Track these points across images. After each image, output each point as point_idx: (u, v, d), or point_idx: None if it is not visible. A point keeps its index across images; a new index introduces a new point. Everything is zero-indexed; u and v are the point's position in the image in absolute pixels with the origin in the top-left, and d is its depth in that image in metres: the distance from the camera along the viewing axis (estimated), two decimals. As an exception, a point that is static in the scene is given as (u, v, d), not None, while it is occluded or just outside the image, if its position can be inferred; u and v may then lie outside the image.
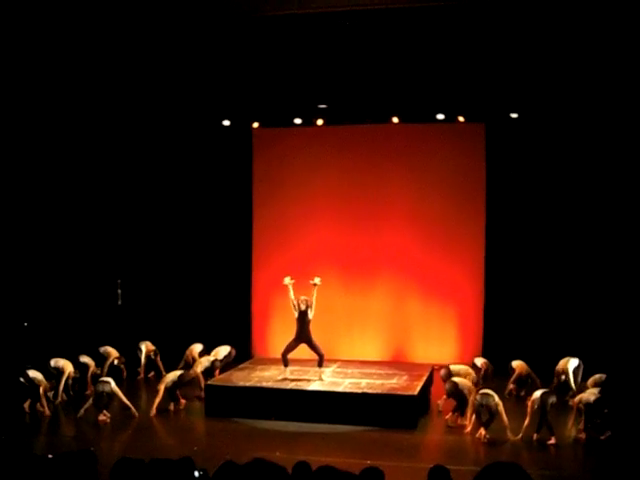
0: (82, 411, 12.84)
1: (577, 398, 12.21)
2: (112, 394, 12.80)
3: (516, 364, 14.20)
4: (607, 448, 11.34)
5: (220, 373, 14.59)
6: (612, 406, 11.81)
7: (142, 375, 15.89)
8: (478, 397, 11.87)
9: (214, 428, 12.61)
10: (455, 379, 12.69)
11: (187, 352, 15.66)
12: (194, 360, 15.23)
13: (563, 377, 13.82)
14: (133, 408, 13.00)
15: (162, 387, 13.31)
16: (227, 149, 17.77)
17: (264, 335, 17.26)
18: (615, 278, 15.45)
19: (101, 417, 12.71)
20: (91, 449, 9.16)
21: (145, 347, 15.84)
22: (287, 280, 13.96)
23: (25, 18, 12.69)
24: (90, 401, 12.94)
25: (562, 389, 13.59)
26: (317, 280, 13.77)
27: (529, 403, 11.94)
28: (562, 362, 13.96)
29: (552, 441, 11.51)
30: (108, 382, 12.89)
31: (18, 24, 12.77)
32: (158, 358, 15.87)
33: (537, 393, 11.95)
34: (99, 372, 14.75)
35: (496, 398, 11.75)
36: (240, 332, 17.05)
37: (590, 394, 11.99)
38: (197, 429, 12.96)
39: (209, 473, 5.25)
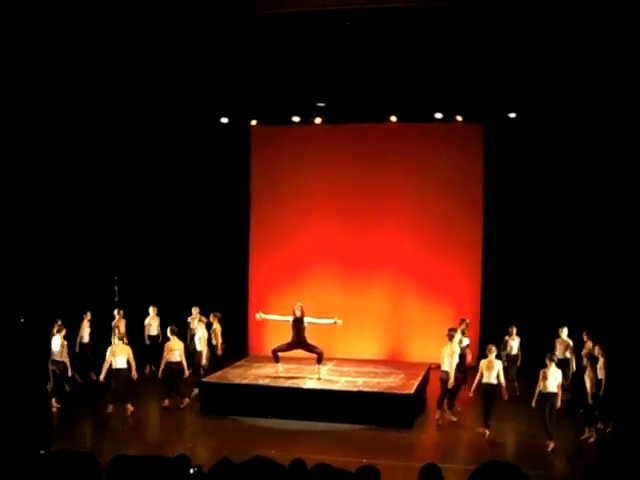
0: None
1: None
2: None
3: None
4: (599, 448, 11.40)
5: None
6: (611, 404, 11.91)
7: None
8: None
9: (210, 426, 12.62)
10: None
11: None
12: None
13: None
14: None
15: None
16: (225, 147, 17.77)
17: (260, 333, 17.25)
18: (612, 279, 15.46)
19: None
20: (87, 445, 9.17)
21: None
22: (258, 316, 14.26)
23: (24, 17, 12.67)
24: None
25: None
26: (339, 322, 13.74)
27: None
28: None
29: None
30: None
31: (17, 24, 12.75)
32: None
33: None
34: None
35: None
36: (236, 330, 17.05)
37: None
38: (193, 426, 12.96)
39: (205, 471, 5.24)
